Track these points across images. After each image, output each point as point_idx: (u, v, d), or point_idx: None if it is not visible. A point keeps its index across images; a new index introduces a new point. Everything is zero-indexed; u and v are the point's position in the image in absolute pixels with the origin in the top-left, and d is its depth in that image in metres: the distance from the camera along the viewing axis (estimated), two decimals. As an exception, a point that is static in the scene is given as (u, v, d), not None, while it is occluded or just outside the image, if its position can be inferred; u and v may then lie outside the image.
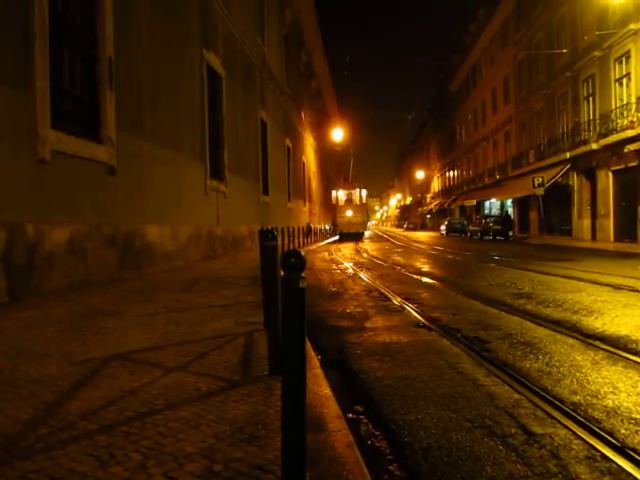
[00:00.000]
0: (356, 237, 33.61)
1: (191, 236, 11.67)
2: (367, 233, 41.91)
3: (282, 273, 1.81)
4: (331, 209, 39.14)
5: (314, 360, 3.71)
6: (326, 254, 18.29)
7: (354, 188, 36.62)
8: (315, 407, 2.68)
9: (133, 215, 8.93)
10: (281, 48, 24.81)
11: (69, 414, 2.55)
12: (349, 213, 34.60)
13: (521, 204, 32.93)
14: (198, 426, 2.39)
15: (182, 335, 4.31)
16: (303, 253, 1.82)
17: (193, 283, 8.00)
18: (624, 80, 20.88)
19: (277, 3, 23.60)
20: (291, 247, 15.77)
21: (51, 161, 6.63)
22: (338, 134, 42.33)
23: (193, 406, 2.65)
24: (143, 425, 2.40)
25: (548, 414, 2.88)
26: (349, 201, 36.09)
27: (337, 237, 35.36)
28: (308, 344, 3.94)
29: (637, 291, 7.48)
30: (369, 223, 40.51)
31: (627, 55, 20.42)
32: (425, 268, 12.31)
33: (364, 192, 36.61)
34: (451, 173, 57.28)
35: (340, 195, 36.42)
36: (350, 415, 2.97)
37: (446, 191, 58.36)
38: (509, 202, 35.90)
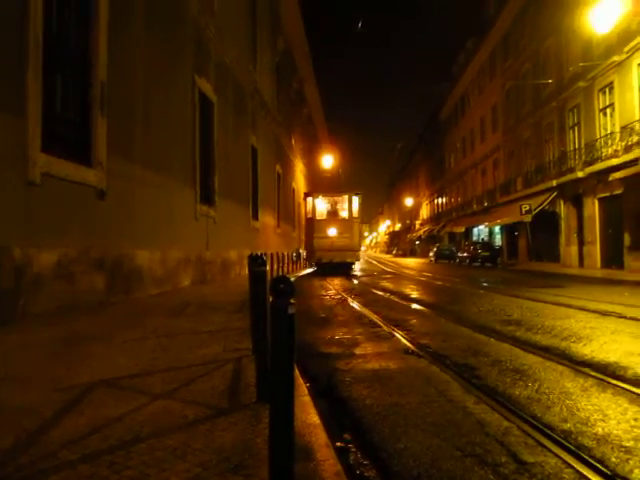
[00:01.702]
0: (341, 270, 22.01)
1: (180, 261, 11.61)
2: (357, 265, 26.62)
3: (271, 299, 1.80)
4: (306, 226, 24.45)
5: (303, 387, 3.67)
6: (315, 280, 18.26)
7: (340, 194, 23.59)
8: (303, 435, 2.64)
9: (122, 239, 8.88)
10: (273, 75, 25.14)
11: (51, 442, 2.49)
12: (332, 232, 22.04)
13: (509, 231, 33.21)
14: (184, 455, 2.34)
15: (170, 361, 4.26)
16: (292, 279, 1.81)
17: (181, 308, 7.93)
18: (608, 110, 21.34)
19: (269, 32, 23.99)
20: (280, 273, 15.74)
21: (41, 184, 6.60)
22: (328, 161, 42.39)
23: (179, 434, 2.60)
24: (127, 454, 2.35)
25: (538, 442, 2.86)
26: (333, 214, 23.21)
27: (311, 270, 23.62)
28: (297, 371, 3.90)
29: (625, 318, 7.51)
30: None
31: (611, 86, 20.91)
32: (414, 294, 12.30)
33: (356, 201, 22.86)
34: (440, 200, 57.76)
35: (319, 205, 23.11)
36: (339, 443, 2.93)
37: (435, 217, 58.77)
38: (497, 229, 36.17)
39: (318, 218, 22.63)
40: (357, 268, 25.74)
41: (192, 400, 3.18)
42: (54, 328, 5.91)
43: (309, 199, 23.37)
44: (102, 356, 4.46)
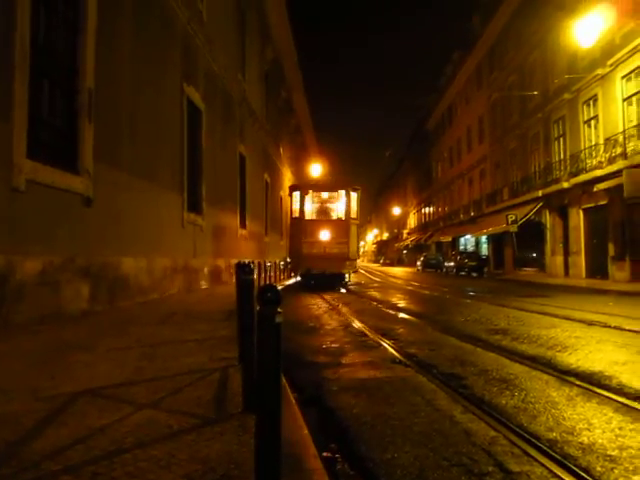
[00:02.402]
0: (331, 283, 18.24)
1: (167, 269, 11.53)
2: (347, 277, 20.04)
3: (258, 307, 1.79)
4: (291, 228, 20.13)
5: (290, 396, 3.65)
6: (302, 288, 18.20)
7: (335, 189, 19.46)
8: (290, 445, 2.62)
9: (108, 247, 8.80)
10: (261, 84, 25.19)
11: (33, 453, 2.45)
12: (325, 236, 18.18)
13: (496, 240, 33.43)
14: (169, 465, 2.31)
15: (155, 370, 4.21)
16: (279, 287, 1.81)
17: (167, 317, 7.87)
18: (592, 122, 21.64)
19: (258, 41, 24.07)
20: (268, 281, 15.68)
21: (26, 191, 6.53)
22: (316, 169, 42.44)
23: (164, 444, 2.57)
24: (111, 465, 2.31)
25: (525, 452, 2.86)
26: (326, 213, 19.28)
27: (296, 279, 20.38)
28: (283, 380, 3.88)
29: (609, 327, 7.58)
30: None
31: (595, 98, 21.23)
32: (402, 304, 12.32)
33: (354, 198, 19.08)
34: (427, 209, 58.09)
35: (309, 202, 19.07)
36: (326, 454, 2.91)
37: (422, 227, 59.06)
38: (484, 238, 36.41)
39: (308, 218, 18.59)
40: (350, 280, 20.89)
41: (177, 410, 3.14)
42: (38, 337, 5.83)
43: (296, 194, 18.99)
44: (86, 365, 4.40)
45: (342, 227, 18.36)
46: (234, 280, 4.32)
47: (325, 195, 19.46)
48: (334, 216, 19.07)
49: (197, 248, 13.77)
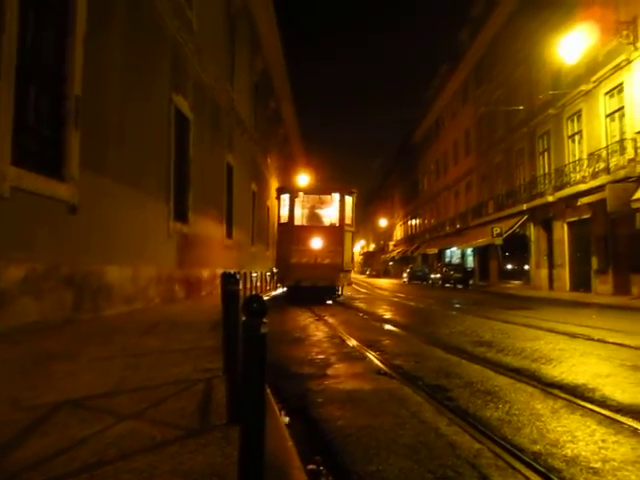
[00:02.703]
0: (322, 296, 16.38)
1: (151, 278, 11.44)
2: (340, 290, 17.85)
3: (243, 318, 1.78)
4: (279, 234, 18.28)
5: (274, 408, 3.63)
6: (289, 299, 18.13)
7: (328, 192, 17.45)
8: (274, 457, 2.60)
9: (93, 255, 8.72)
10: (250, 94, 25.24)
11: (14, 464, 2.40)
12: (316, 244, 16.43)
13: (481, 253, 33.66)
14: (151, 477, 2.28)
15: (139, 380, 4.16)
16: (265, 298, 1.81)
17: (152, 326, 7.80)
18: (576, 137, 21.98)
19: (248, 51, 24.15)
20: (254, 292, 15.62)
21: (10, 197, 6.45)
22: (304, 180, 42.49)
23: (146, 456, 2.53)
24: (92, 477, 2.28)
25: (509, 464, 2.87)
26: (315, 218, 17.49)
27: (283, 290, 18.26)
28: (268, 391, 3.86)
29: (592, 340, 7.65)
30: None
31: (579, 114, 21.58)
32: (387, 315, 12.34)
33: (350, 202, 17.35)
34: (414, 221, 58.38)
35: (299, 206, 17.11)
36: (310, 466, 2.89)
37: (409, 239, 59.30)
38: (470, 251, 36.65)
39: (298, 224, 16.58)
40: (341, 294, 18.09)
41: (161, 421, 3.11)
42: (19, 346, 5.74)
43: (285, 197, 16.99)
44: (69, 375, 4.34)
45: (335, 234, 16.38)
46: (220, 290, 4.29)
47: (317, 198, 17.35)
48: (327, 222, 17.09)
49: (183, 258, 13.69)
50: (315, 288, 15.73)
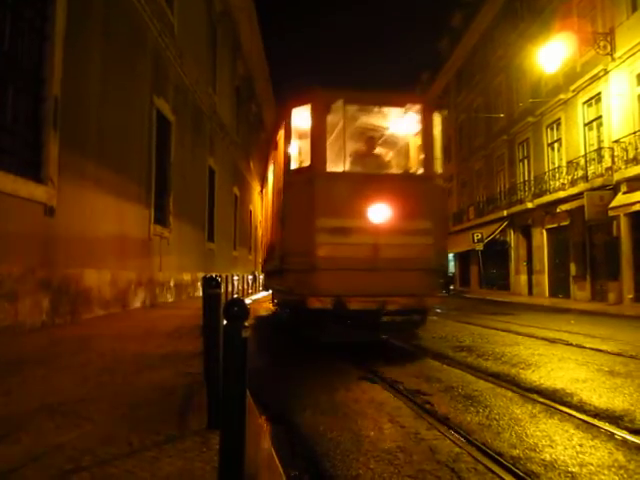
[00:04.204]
0: (378, 330, 7.23)
1: (131, 282, 11.30)
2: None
3: (224, 322, 1.77)
4: (281, 198, 7.84)
5: (255, 413, 3.60)
6: (269, 303, 18.08)
7: (398, 103, 7.58)
8: (255, 463, 2.58)
9: (70, 258, 8.59)
10: (232, 98, 25.18)
11: (-16, 472, 2.34)
12: (377, 215, 6.71)
13: (462, 258, 33.96)
14: (128, 484, 2.24)
15: (116, 386, 4.10)
16: (247, 302, 1.79)
17: (131, 331, 7.70)
18: (556, 145, 22.34)
19: (230, 55, 24.11)
20: (235, 296, 15.53)
21: (-15, 199, 6.34)
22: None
23: (124, 462, 2.49)
24: (67, 484, 2.23)
25: (488, 468, 2.88)
26: (371, 160, 8.15)
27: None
28: (249, 396, 3.82)
29: (571, 345, 7.75)
30: None
31: (558, 122, 21.94)
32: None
33: (438, 126, 7.56)
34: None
35: (331, 138, 7.55)
36: (291, 472, 2.87)
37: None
38: (451, 256, 36.92)
39: (333, 170, 7.36)
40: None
41: (139, 426, 3.06)
42: (-7, 350, 5.61)
43: (302, 112, 7.47)
44: (45, 380, 4.26)
45: (418, 195, 7.27)
46: (201, 294, 4.26)
47: (374, 117, 8.33)
48: (397, 168, 8.95)
49: (163, 261, 13.56)
50: (374, 313, 6.77)
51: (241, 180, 28.46)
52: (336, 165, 7.45)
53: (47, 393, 3.80)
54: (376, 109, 7.95)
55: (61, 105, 8.03)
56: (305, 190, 7.04)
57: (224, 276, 12.67)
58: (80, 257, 8.92)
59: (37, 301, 7.52)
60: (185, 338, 6.98)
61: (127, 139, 11.22)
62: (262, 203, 14.81)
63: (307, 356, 7.01)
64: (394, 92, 8.33)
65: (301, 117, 7.52)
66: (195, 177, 17.48)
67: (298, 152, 8.21)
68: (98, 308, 9.52)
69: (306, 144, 7.55)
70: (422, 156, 7.60)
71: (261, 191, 13.65)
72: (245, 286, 19.71)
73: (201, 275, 14.29)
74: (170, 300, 14.24)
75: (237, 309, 1.74)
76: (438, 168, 7.81)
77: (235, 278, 16.62)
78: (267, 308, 15.29)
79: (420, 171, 7.65)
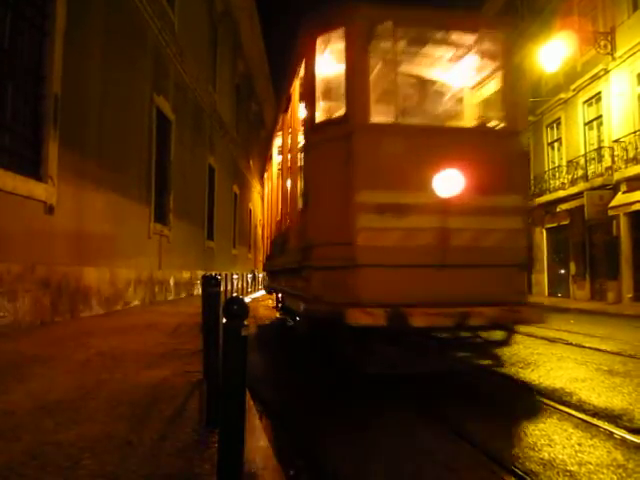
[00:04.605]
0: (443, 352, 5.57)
1: (130, 280, 11.31)
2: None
3: (224, 320, 1.77)
4: (303, 167, 5.66)
5: (254, 411, 3.60)
6: (270, 301, 18.08)
7: (468, 28, 5.31)
8: (253, 462, 2.58)
9: (70, 256, 8.59)
10: (232, 96, 25.17)
11: (-16, 470, 2.34)
12: (444, 187, 4.69)
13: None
14: (127, 482, 2.24)
15: (116, 384, 4.10)
16: (247, 300, 1.80)
17: (130, 329, 7.70)
18: (556, 144, 22.33)
19: (230, 54, 24.10)
20: (234, 294, 15.54)
21: (-15, 197, 6.34)
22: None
23: (123, 460, 2.49)
24: (66, 482, 2.23)
25: (487, 467, 2.88)
26: (428, 105, 6.34)
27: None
28: (248, 394, 3.82)
29: (570, 344, 7.75)
30: None
31: (558, 122, 21.94)
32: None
33: (521, 57, 5.52)
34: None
35: (374, 75, 5.38)
36: (290, 471, 2.87)
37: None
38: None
39: (377, 122, 5.19)
40: None
41: (138, 424, 3.06)
42: (-7, 348, 5.62)
43: (334, 42, 5.33)
44: (43, 378, 4.26)
45: (501, 155, 5.11)
46: (200, 292, 4.26)
47: (436, 48, 5.81)
48: (466, 119, 6.42)
49: (163, 259, 13.57)
50: (448, 330, 5.19)
51: (241, 178, 28.46)
52: (383, 115, 5.47)
53: (46, 391, 3.81)
54: (439, 35, 5.51)
55: (61, 103, 8.03)
56: (339, 151, 4.90)
57: (223, 274, 12.67)
58: (79, 255, 8.92)
59: (36, 299, 7.52)
60: (184, 336, 6.98)
61: (127, 137, 11.21)
62: (263, 192, 13.09)
63: (341, 398, 4.56)
64: (464, 13, 5.79)
65: (330, 49, 5.45)
66: (195, 175, 17.48)
67: (325, 101, 6.13)
68: (97, 306, 9.52)
69: (338, 88, 5.44)
70: (504, 103, 5.51)
71: (261, 178, 11.33)
72: (244, 284, 19.71)
73: (200, 273, 14.29)
74: (170, 298, 14.24)
75: (237, 307, 1.74)
76: (524, 120, 6.04)
77: (234, 277, 16.62)
78: (267, 307, 15.30)
79: (502, 124, 5.44)
